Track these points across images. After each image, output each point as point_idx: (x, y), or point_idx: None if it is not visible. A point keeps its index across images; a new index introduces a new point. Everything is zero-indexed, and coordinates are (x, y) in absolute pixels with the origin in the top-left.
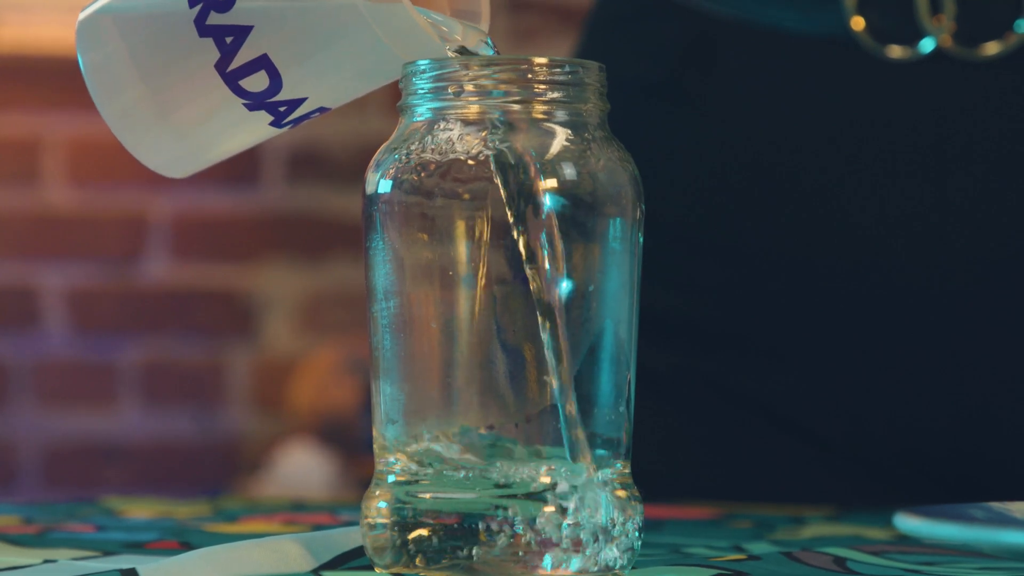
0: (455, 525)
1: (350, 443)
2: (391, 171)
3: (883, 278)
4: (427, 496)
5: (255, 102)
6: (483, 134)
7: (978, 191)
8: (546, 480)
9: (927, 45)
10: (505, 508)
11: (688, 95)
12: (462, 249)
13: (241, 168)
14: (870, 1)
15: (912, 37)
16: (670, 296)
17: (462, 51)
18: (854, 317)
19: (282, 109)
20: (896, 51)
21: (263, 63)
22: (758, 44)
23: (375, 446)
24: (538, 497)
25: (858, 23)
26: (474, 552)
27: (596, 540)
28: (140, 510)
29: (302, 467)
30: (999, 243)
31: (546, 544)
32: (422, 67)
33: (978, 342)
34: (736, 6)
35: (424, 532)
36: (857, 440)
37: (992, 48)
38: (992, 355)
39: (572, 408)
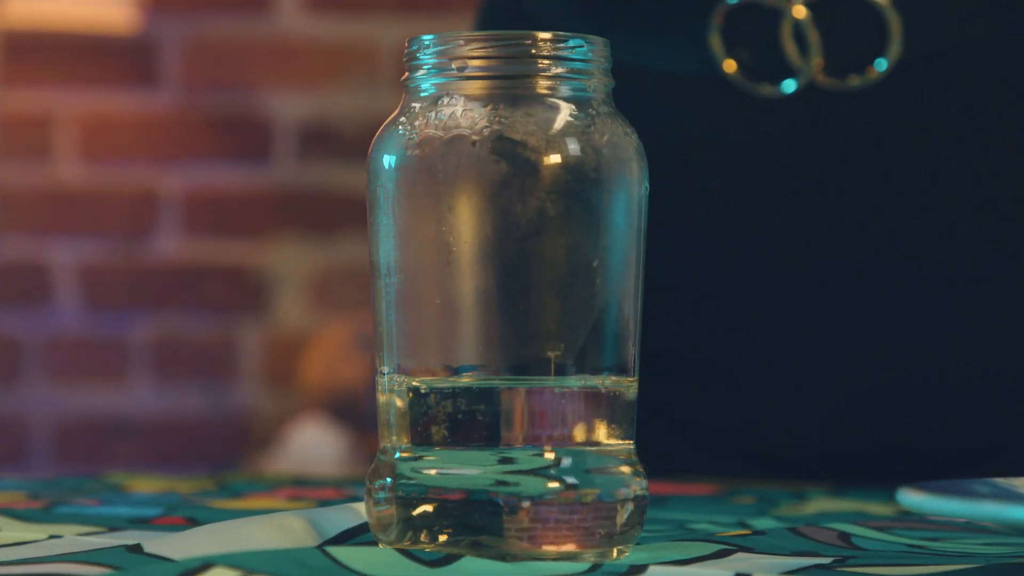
0: (460, 501)
1: (360, 419)
2: (395, 147)
3: (814, 307)
4: (432, 472)
5: None
6: (487, 109)
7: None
8: (551, 456)
9: (789, 86)
10: (510, 484)
11: None
12: (465, 224)
13: (252, 144)
14: (739, 41)
15: (784, 73)
16: None
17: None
18: (787, 342)
19: None
20: (768, 89)
21: None
22: (631, 84)
23: (379, 422)
24: (543, 473)
25: (730, 65)
26: (479, 528)
27: (600, 516)
28: (145, 485)
29: (313, 443)
30: (944, 259)
31: (551, 520)
32: (426, 42)
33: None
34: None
35: (429, 508)
36: (820, 461)
37: (854, 80)
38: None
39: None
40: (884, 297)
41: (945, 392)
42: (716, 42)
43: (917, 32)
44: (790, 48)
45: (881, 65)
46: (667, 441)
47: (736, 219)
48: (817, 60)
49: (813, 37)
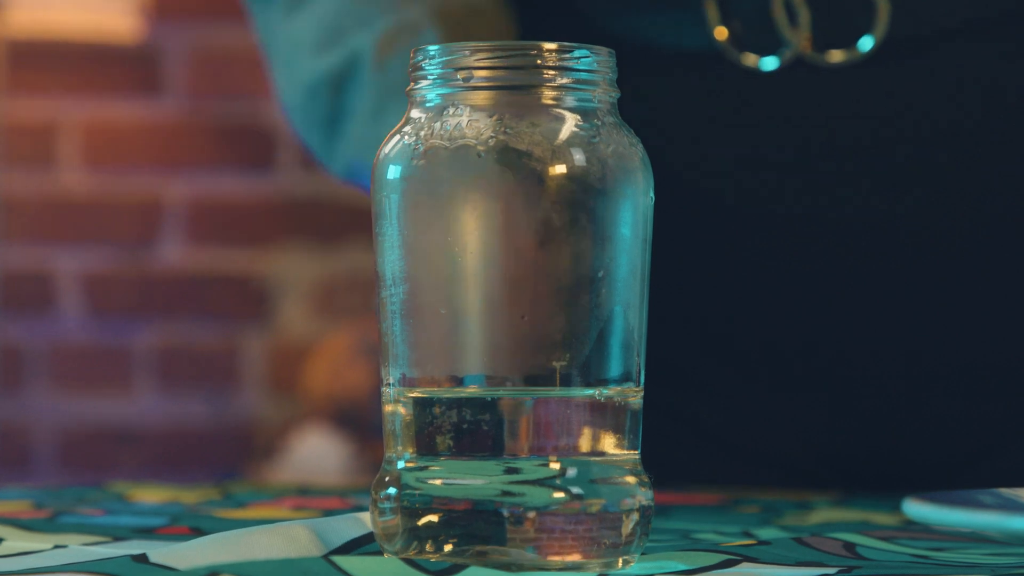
0: (465, 511)
1: (364, 427)
2: (400, 157)
3: (804, 285)
4: (437, 482)
5: None
6: (492, 120)
7: (880, 197)
8: (556, 466)
9: (771, 61)
10: (515, 494)
11: None
12: (471, 234)
13: (256, 153)
14: (733, 13)
15: (773, 45)
16: None
17: None
18: (784, 333)
19: None
20: (752, 59)
21: None
22: (641, 59)
23: (384, 432)
24: (548, 483)
25: (721, 32)
26: (484, 538)
27: (606, 526)
28: (149, 495)
29: (316, 451)
30: (942, 244)
31: (556, 530)
32: (431, 53)
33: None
34: (607, 24)
35: (434, 518)
36: (810, 465)
37: (837, 56)
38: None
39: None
40: (879, 289)
41: (945, 394)
42: (712, 10)
43: (905, 13)
44: (780, 20)
45: (866, 44)
46: (669, 447)
47: (733, 203)
48: (805, 34)
49: (803, 11)
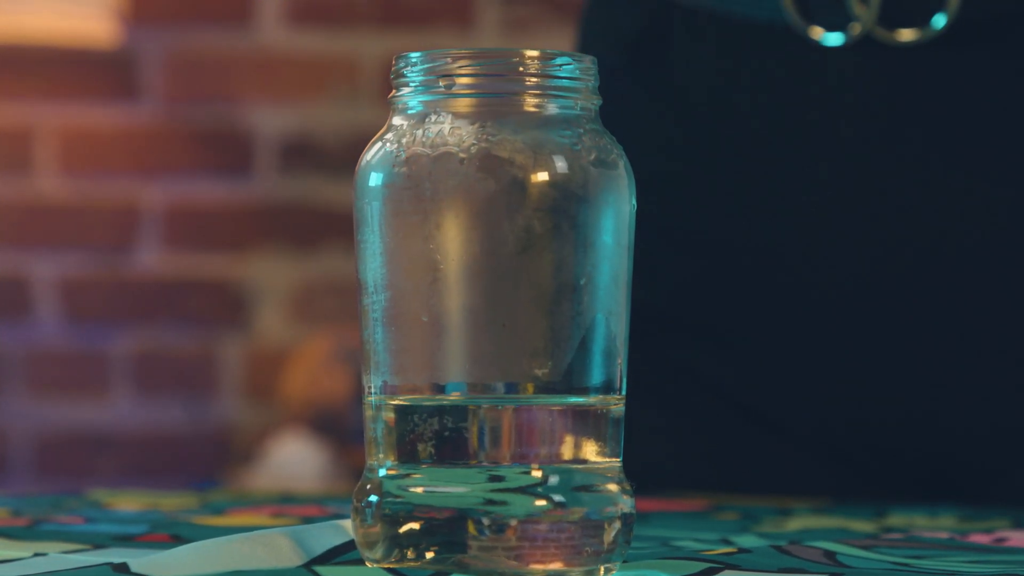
0: (447, 519)
1: (342, 433)
2: (382, 164)
3: (853, 266)
4: (419, 490)
5: None
6: (474, 127)
7: (939, 175)
8: (538, 474)
9: (836, 37)
10: (498, 502)
11: (643, 82)
12: (453, 242)
13: (233, 158)
14: None
15: (844, 20)
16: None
17: None
18: (824, 307)
19: None
20: (817, 33)
21: None
22: (712, 29)
23: (366, 439)
24: (531, 491)
25: (789, 4)
26: (466, 546)
27: (588, 534)
28: (128, 503)
29: (294, 457)
30: (969, 232)
31: (538, 538)
32: (413, 60)
33: (948, 335)
34: None
35: (415, 526)
36: (831, 433)
37: (907, 35)
38: (963, 348)
39: None
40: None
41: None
42: None
43: None
44: None
45: (939, 21)
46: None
47: (784, 177)
48: (874, 10)
49: None
